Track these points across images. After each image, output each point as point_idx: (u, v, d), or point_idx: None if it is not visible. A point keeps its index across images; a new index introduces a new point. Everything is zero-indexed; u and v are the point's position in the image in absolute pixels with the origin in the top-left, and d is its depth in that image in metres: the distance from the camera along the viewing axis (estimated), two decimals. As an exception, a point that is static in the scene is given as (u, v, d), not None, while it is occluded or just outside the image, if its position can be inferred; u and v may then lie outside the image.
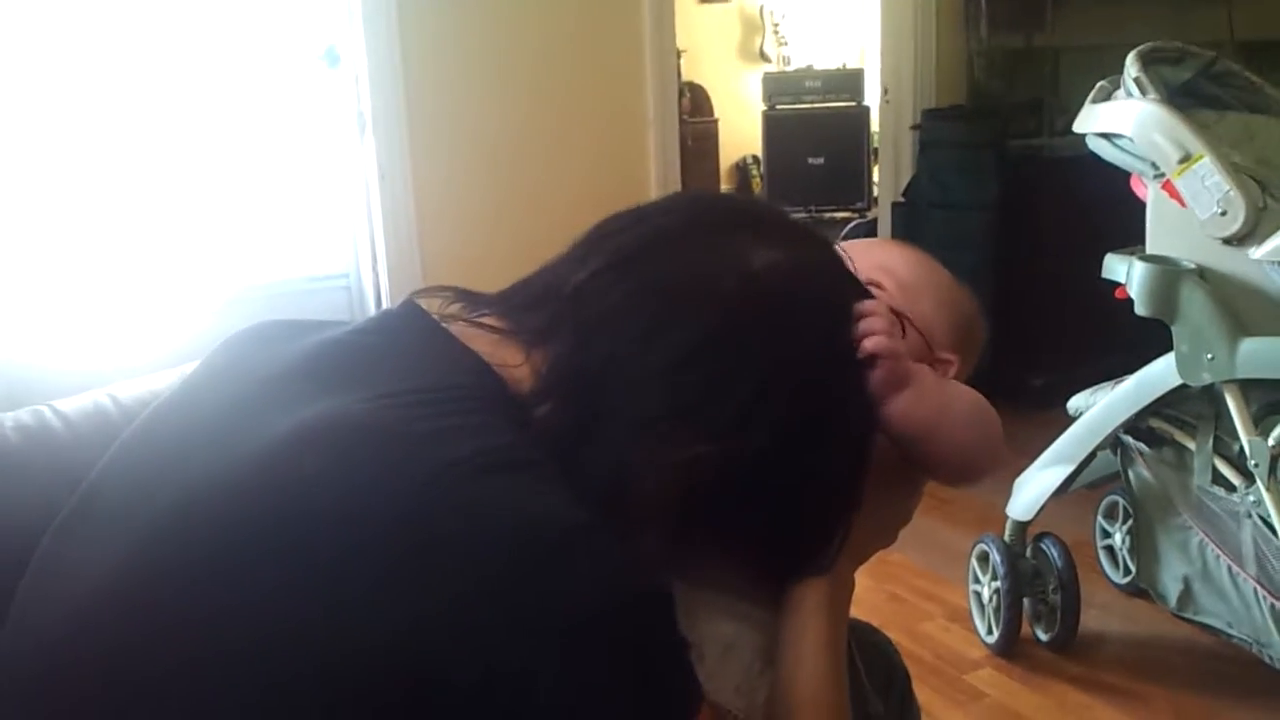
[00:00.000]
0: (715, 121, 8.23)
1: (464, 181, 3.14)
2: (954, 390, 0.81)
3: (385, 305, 3.11)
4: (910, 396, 0.75)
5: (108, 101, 2.72)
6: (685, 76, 7.33)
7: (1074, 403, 2.11)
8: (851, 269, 0.81)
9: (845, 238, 4.36)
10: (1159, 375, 1.90)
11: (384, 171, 3.02)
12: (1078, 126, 1.98)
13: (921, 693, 1.08)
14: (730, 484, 0.69)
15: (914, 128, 3.65)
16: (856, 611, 1.09)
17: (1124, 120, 1.86)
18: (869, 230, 4.15)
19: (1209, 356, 1.76)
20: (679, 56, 4.80)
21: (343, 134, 3.03)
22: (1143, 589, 2.17)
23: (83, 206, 2.70)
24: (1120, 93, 1.91)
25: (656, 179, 3.41)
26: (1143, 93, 1.84)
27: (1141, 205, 1.91)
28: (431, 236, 3.11)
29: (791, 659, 0.77)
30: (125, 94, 2.74)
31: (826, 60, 8.06)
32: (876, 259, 0.90)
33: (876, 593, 2.43)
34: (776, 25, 8.74)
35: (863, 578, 2.51)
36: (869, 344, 0.73)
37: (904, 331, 0.81)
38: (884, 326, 0.74)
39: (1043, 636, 2.15)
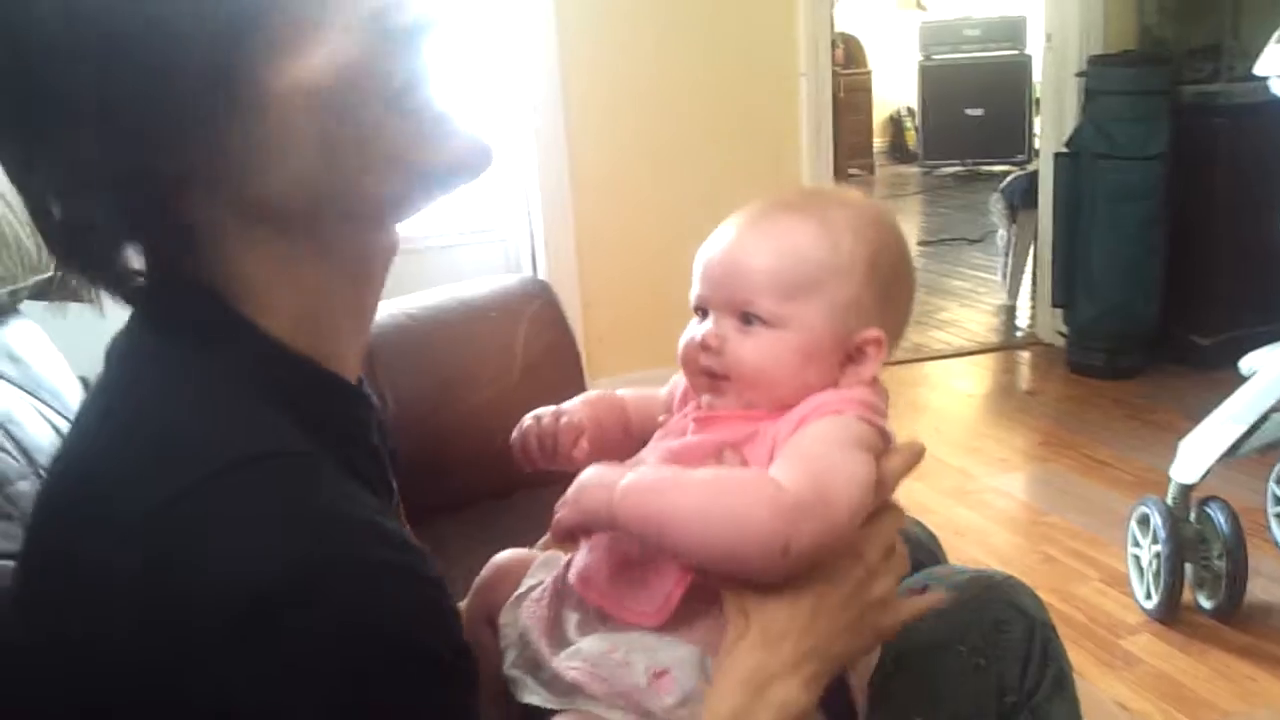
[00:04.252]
0: (868, 73, 8.07)
1: (616, 136, 3.16)
2: (688, 492, 0.69)
3: (540, 261, 3.17)
4: (629, 503, 0.70)
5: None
6: (838, 27, 7.20)
7: (1247, 362, 2.02)
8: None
9: (1003, 191, 4.23)
10: (1342, 334, 1.80)
11: (539, 129, 3.07)
12: (1259, 69, 1.88)
13: (1074, 655, 1.07)
14: None
15: (1079, 75, 3.50)
16: (1007, 571, 1.08)
17: (1310, 63, 1.76)
18: (1030, 183, 4.00)
19: (1399, 315, 1.66)
20: (832, 6, 4.71)
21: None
22: (1317, 558, 2.08)
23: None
24: (1307, 33, 1.80)
25: (808, 132, 3.37)
26: (1332, 33, 1.73)
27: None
28: (584, 192, 3.15)
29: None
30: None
31: (986, 7, 7.77)
32: (769, 261, 0.77)
33: (1030, 553, 2.38)
34: (935, -29, 8.48)
35: (1016, 537, 2.48)
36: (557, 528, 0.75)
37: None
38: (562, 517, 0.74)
39: (1205, 604, 2.07)
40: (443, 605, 0.60)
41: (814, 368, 0.77)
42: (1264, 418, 1.96)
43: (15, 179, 0.60)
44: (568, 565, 0.81)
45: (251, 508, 0.53)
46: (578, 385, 1.57)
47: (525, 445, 0.88)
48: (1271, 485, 2.27)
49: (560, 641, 0.78)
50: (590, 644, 0.75)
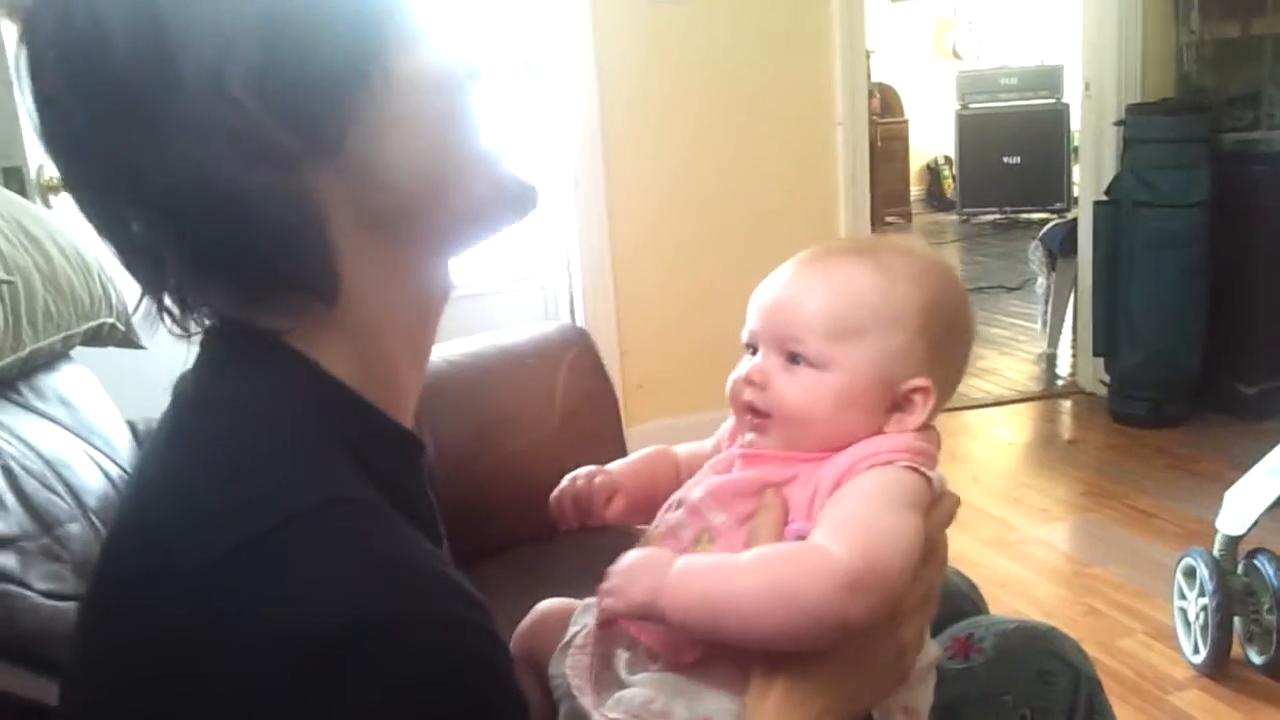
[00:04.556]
0: (905, 122, 8.10)
1: (654, 186, 3.19)
2: (737, 578, 0.69)
3: (578, 308, 3.19)
4: (671, 599, 0.69)
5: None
6: (875, 77, 7.24)
7: (1293, 412, 1.99)
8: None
9: (1042, 239, 4.22)
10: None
11: (578, 177, 3.10)
12: (1300, 119, 1.87)
13: (1121, 710, 1.05)
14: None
15: (1118, 123, 3.49)
16: (1051, 623, 1.07)
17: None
18: (1068, 231, 3.99)
19: None
20: (869, 57, 4.74)
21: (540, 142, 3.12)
22: (1370, 613, 2.03)
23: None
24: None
25: (845, 180, 3.39)
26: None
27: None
28: (622, 239, 3.18)
29: None
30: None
31: (1023, 57, 7.80)
32: (820, 302, 0.78)
33: (1073, 605, 2.35)
34: (970, 22, 8.52)
35: (1059, 589, 2.44)
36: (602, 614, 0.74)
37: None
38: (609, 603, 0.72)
39: (1256, 659, 2.03)
40: (504, 659, 0.59)
41: (855, 412, 0.77)
42: (1312, 468, 1.93)
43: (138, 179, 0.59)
44: None
45: (321, 557, 0.53)
46: (616, 432, 1.57)
47: (561, 505, 0.90)
48: (1321, 537, 2.23)
49: (610, 684, 0.77)
50: (633, 693, 0.75)
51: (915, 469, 0.74)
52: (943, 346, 0.79)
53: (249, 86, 0.57)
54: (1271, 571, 1.98)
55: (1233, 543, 2.02)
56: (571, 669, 0.79)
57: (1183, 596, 2.10)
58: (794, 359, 0.78)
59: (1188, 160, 3.27)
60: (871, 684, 0.74)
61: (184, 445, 0.63)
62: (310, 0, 0.59)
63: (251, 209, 0.59)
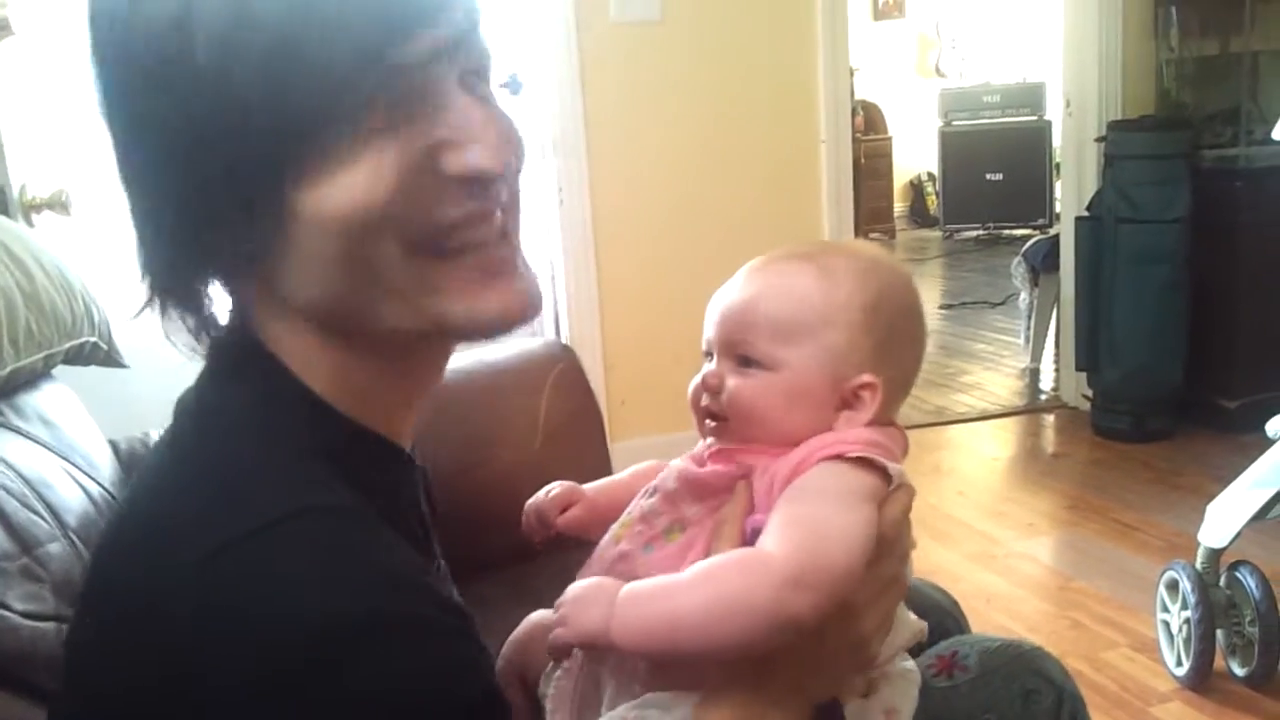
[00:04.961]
0: (889, 139, 8.15)
1: (639, 201, 3.20)
2: (680, 595, 0.69)
3: (564, 325, 3.19)
4: (622, 626, 0.69)
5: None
6: (859, 95, 7.28)
7: (1273, 425, 2.01)
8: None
9: (1025, 255, 4.24)
10: (1369, 397, 1.79)
11: (563, 194, 3.11)
12: (1278, 133, 1.89)
13: (1103, 723, 1.05)
14: None
15: (1099, 140, 3.52)
16: (1035, 637, 1.07)
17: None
18: (1051, 246, 4.01)
19: None
20: (852, 75, 4.77)
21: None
22: (1352, 625, 2.04)
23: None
24: (1324, 99, 1.81)
25: (829, 197, 3.40)
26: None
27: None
28: (608, 256, 3.18)
29: None
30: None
31: (1005, 74, 7.86)
32: (765, 305, 0.79)
33: (1058, 620, 2.35)
34: (953, 41, 8.59)
35: (1043, 603, 2.44)
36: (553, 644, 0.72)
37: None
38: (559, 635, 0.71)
39: (1238, 671, 2.04)
40: (485, 663, 0.60)
41: (805, 410, 0.78)
42: (1292, 481, 1.94)
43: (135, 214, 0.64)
44: None
45: (295, 561, 0.55)
46: (600, 449, 1.57)
47: (526, 521, 0.93)
48: (1303, 550, 2.25)
49: (596, 706, 0.78)
50: (610, 716, 0.75)
51: (868, 459, 0.74)
52: (888, 344, 0.80)
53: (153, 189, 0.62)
54: (1253, 584, 1.99)
55: (1215, 555, 2.03)
56: (554, 696, 0.79)
57: (1166, 609, 2.11)
58: (745, 362, 0.79)
59: (1168, 176, 3.30)
60: (828, 676, 0.75)
61: (176, 452, 0.65)
62: (213, 126, 0.57)
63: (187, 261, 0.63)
